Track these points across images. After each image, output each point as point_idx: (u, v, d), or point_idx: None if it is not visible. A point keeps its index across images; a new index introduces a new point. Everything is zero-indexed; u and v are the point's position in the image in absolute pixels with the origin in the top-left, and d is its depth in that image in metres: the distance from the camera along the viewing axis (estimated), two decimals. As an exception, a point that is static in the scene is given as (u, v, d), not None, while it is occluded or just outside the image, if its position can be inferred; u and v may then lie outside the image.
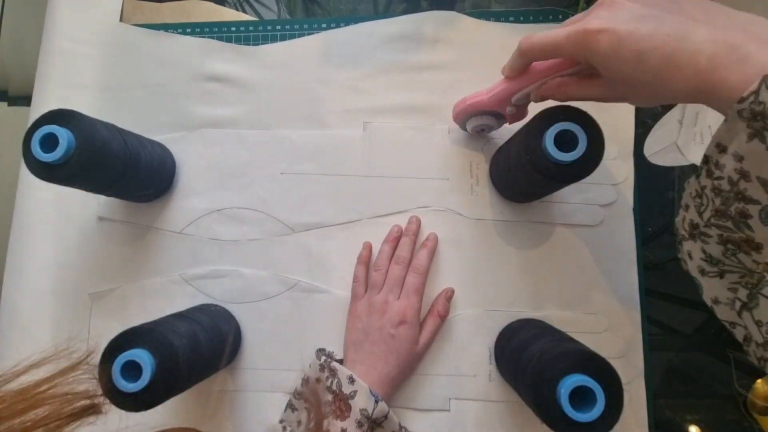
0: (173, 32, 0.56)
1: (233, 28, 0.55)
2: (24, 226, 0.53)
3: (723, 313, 0.29)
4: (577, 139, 0.36)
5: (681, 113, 0.50)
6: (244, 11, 0.57)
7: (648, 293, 0.49)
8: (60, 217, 0.53)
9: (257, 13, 0.57)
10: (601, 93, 0.35)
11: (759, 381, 0.46)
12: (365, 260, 0.49)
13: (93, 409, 0.23)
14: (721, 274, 0.29)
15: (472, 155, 0.51)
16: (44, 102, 0.54)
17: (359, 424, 0.40)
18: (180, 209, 0.52)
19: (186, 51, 0.55)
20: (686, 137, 0.50)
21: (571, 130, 0.36)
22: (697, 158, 0.50)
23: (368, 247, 0.50)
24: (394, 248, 0.49)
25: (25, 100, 0.57)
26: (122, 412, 0.36)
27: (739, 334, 0.29)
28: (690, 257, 0.31)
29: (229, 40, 0.55)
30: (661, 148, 0.50)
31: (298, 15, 0.56)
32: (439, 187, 0.51)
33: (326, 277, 0.50)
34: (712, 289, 0.30)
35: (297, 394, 0.45)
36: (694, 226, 0.30)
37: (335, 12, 0.56)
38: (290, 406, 0.45)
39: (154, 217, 0.52)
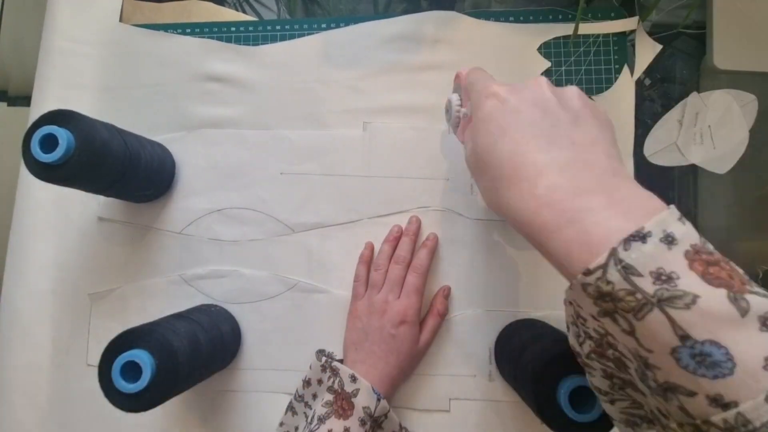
0: (173, 32, 0.55)
1: (233, 28, 0.55)
2: (24, 226, 0.53)
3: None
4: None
5: (681, 113, 0.50)
6: (244, 11, 0.57)
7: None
8: (60, 217, 0.53)
9: (257, 13, 0.57)
10: (467, 139, 0.33)
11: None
12: (367, 260, 0.49)
13: None
14: (612, 402, 0.26)
15: (472, 155, 0.51)
16: (44, 102, 0.54)
17: (362, 423, 0.40)
18: (180, 209, 0.52)
19: (186, 51, 0.55)
20: (686, 137, 0.50)
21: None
22: (697, 158, 0.50)
23: (370, 247, 0.50)
24: (394, 248, 0.49)
25: (24, 100, 0.57)
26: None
27: None
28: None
29: (229, 40, 0.55)
30: (661, 148, 0.50)
31: (298, 15, 0.56)
32: (439, 187, 0.51)
33: (326, 277, 0.50)
34: (606, 408, 0.27)
35: (298, 397, 0.45)
36: (576, 353, 0.27)
37: (335, 12, 0.56)
38: (291, 409, 0.45)
39: (154, 218, 0.52)
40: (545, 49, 0.52)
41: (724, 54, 0.49)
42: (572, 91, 0.30)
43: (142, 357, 0.36)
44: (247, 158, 0.53)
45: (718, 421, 0.20)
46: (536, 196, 0.25)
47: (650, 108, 0.51)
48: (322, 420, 0.40)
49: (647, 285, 0.21)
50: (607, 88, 0.51)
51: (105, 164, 0.42)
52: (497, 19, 0.53)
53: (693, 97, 0.50)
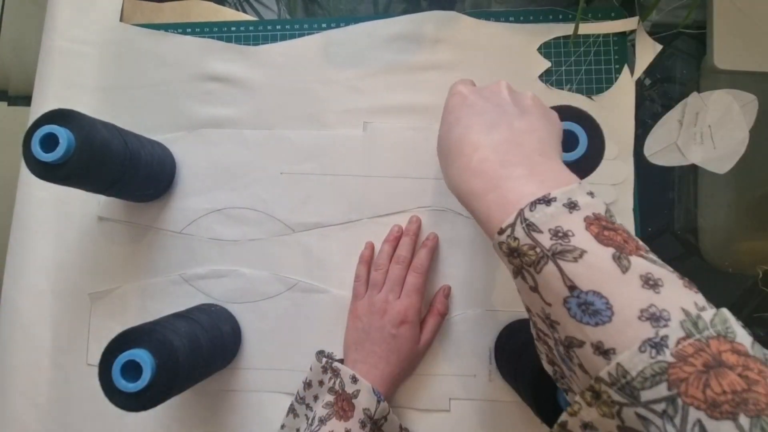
0: (173, 32, 0.55)
1: (233, 28, 0.55)
2: (24, 226, 0.53)
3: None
4: (578, 138, 0.36)
5: (681, 113, 0.50)
6: (244, 11, 0.57)
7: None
8: (60, 217, 0.53)
9: (257, 13, 0.57)
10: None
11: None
12: (367, 259, 0.49)
13: None
14: (566, 391, 0.29)
15: (472, 155, 0.51)
16: (44, 102, 0.54)
17: (362, 425, 0.40)
18: (180, 209, 0.52)
19: (186, 51, 0.55)
20: (686, 137, 0.50)
21: (572, 130, 0.36)
22: (697, 158, 0.50)
23: (370, 247, 0.50)
24: (395, 248, 0.49)
25: (25, 100, 0.57)
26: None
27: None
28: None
29: (229, 40, 0.55)
30: (662, 148, 0.50)
31: (298, 15, 0.56)
32: (439, 187, 0.51)
33: (326, 277, 0.50)
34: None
35: (299, 399, 0.45)
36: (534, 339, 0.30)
37: (335, 12, 0.56)
38: (292, 411, 0.45)
39: (154, 217, 0.52)
40: (545, 49, 0.52)
41: (724, 54, 0.49)
42: (528, 94, 0.33)
43: (142, 356, 0.36)
44: (247, 158, 0.52)
45: (604, 375, 0.21)
46: (470, 168, 0.29)
47: (650, 108, 0.51)
48: (322, 421, 0.40)
49: (545, 240, 0.24)
50: (607, 88, 0.51)
51: (105, 164, 0.42)
52: (497, 19, 0.53)
53: (693, 97, 0.50)
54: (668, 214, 0.50)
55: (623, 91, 0.51)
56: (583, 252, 0.23)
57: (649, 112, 0.51)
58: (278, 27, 0.55)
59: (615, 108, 0.51)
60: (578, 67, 0.52)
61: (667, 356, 0.20)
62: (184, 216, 0.52)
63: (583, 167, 0.37)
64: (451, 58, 0.53)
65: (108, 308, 0.51)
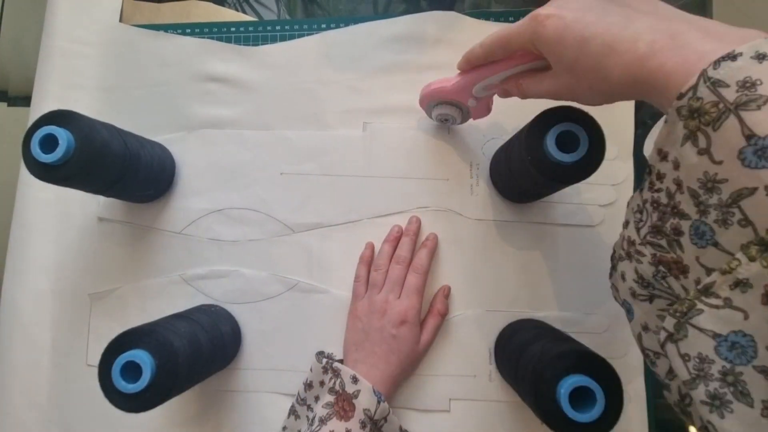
0: (173, 32, 0.55)
1: (233, 29, 0.55)
2: (24, 226, 0.53)
3: (650, 342, 0.28)
4: (579, 140, 0.36)
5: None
6: (244, 11, 0.57)
7: (648, 293, 0.49)
8: (60, 217, 0.53)
9: (257, 14, 0.57)
10: (551, 85, 0.35)
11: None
12: (367, 260, 0.49)
13: None
14: (650, 299, 0.28)
15: (472, 155, 0.51)
16: (44, 102, 0.54)
17: (362, 425, 0.40)
18: (180, 209, 0.52)
19: (186, 51, 0.55)
20: (686, 137, 0.50)
21: (572, 131, 0.36)
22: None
23: (370, 247, 0.50)
24: (395, 248, 0.49)
25: (24, 100, 0.57)
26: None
27: (661, 367, 0.28)
28: (623, 279, 0.30)
29: (228, 40, 0.55)
30: (661, 148, 0.50)
31: (298, 15, 0.56)
32: (439, 187, 0.51)
33: (326, 278, 0.50)
34: (642, 315, 0.29)
35: (300, 400, 0.45)
36: (631, 242, 0.29)
37: (335, 12, 0.56)
38: (293, 413, 0.45)
39: (153, 218, 0.52)
40: (545, 49, 0.52)
41: (724, 54, 0.49)
42: None
43: (142, 357, 0.36)
44: (247, 158, 0.52)
45: None
46: (638, 53, 0.27)
47: (650, 108, 0.51)
48: (323, 421, 0.40)
49: (731, 94, 0.22)
50: (607, 88, 0.51)
51: (105, 164, 0.42)
52: (497, 19, 0.53)
53: (693, 97, 0.50)
54: (668, 214, 0.50)
55: (623, 91, 0.51)
56: (767, 99, 0.22)
57: (649, 112, 0.51)
58: (278, 27, 0.55)
59: (615, 108, 0.50)
60: (578, 67, 0.51)
61: None
62: (184, 216, 0.52)
63: (583, 167, 0.37)
64: (451, 58, 0.52)
65: (108, 308, 0.51)
